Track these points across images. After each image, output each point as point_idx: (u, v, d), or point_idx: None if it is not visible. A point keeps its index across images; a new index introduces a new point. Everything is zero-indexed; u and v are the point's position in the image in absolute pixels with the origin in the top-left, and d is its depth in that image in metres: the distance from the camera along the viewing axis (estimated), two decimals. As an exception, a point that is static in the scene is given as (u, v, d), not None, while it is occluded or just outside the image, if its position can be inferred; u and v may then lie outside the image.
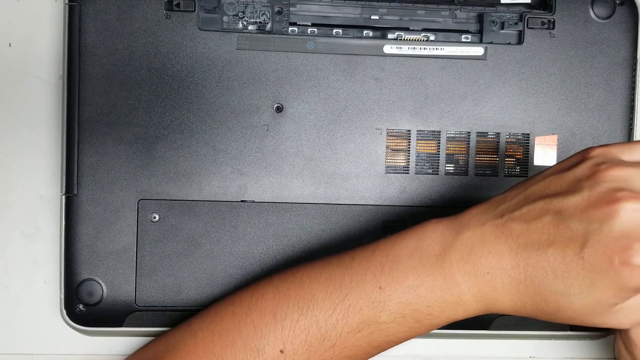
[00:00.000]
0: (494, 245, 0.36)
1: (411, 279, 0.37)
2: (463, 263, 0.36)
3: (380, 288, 0.37)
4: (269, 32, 0.47)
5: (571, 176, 0.35)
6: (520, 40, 0.48)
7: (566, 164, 0.36)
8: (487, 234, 0.36)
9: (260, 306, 0.39)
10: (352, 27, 0.47)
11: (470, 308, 0.37)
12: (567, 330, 0.49)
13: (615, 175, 0.33)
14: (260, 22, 0.47)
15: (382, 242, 0.39)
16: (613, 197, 0.32)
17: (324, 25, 0.47)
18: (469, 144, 0.48)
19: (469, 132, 0.48)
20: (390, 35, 0.48)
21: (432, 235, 0.37)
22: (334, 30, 0.47)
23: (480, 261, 0.36)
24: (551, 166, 0.37)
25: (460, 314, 0.37)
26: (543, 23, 0.48)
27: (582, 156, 0.35)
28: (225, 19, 0.47)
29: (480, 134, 0.48)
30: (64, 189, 0.45)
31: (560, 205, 0.34)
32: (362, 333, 0.38)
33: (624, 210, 0.32)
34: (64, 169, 0.45)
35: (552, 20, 0.47)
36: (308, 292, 0.38)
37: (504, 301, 0.36)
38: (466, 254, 0.36)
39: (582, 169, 0.34)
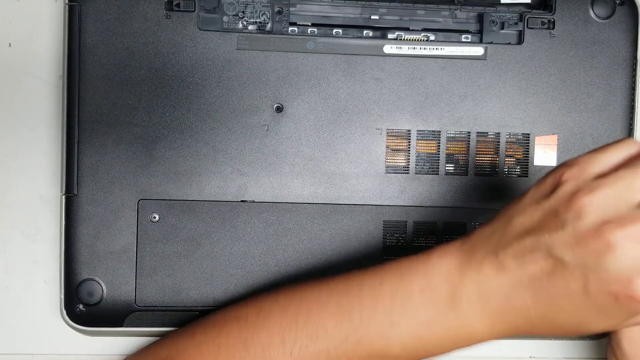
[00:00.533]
0: (498, 286, 0.36)
1: (423, 316, 0.37)
2: (474, 304, 0.36)
3: (391, 322, 0.37)
4: (269, 32, 0.47)
5: (548, 207, 0.34)
6: (520, 40, 0.48)
7: (542, 190, 0.35)
8: (489, 276, 0.36)
9: (268, 326, 0.39)
10: (352, 27, 0.47)
11: (483, 340, 0.37)
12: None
13: (594, 205, 0.33)
14: (260, 22, 0.47)
15: (388, 272, 0.39)
16: (600, 231, 0.32)
17: (324, 25, 0.47)
18: (469, 144, 0.48)
19: (469, 132, 0.48)
20: (390, 35, 0.48)
21: (439, 273, 0.37)
22: (334, 30, 0.47)
23: (490, 301, 0.36)
24: (527, 190, 0.36)
25: (472, 344, 0.38)
26: (543, 23, 0.48)
27: (555, 180, 0.35)
28: (225, 19, 0.47)
29: (480, 134, 0.48)
30: (64, 189, 0.45)
31: (549, 243, 0.34)
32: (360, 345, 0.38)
33: (615, 243, 0.32)
34: (64, 169, 0.45)
35: (552, 20, 0.47)
36: (317, 320, 0.38)
37: (520, 333, 0.36)
38: (475, 296, 0.36)
39: (559, 198, 0.34)
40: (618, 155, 0.34)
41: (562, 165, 0.35)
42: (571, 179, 0.34)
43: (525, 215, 0.35)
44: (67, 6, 0.45)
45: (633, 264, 0.32)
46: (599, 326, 0.34)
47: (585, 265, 0.33)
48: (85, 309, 0.46)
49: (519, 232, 0.35)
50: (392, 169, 0.47)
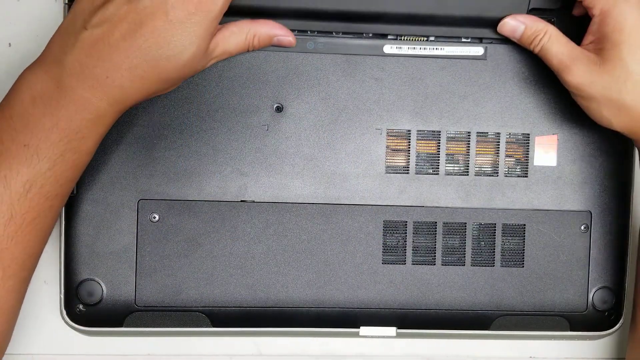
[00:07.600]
0: (97, 53, 0.38)
1: (47, 122, 0.38)
2: (82, 81, 0.38)
3: (25, 145, 0.38)
4: (269, 32, 0.46)
5: None
6: (520, 40, 0.48)
7: None
8: (85, 49, 0.38)
9: None
10: (352, 27, 0.47)
11: (111, 113, 0.39)
12: (567, 330, 0.49)
13: None
14: (260, 22, 0.47)
15: None
16: None
17: (324, 25, 0.47)
18: (469, 144, 0.48)
19: (469, 132, 0.48)
20: (390, 35, 0.47)
21: (41, 78, 0.38)
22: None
23: (95, 71, 0.38)
24: None
25: (108, 122, 0.40)
26: (543, 23, 0.48)
27: None
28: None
29: (480, 134, 0.48)
30: (64, 189, 0.45)
31: None
32: (32, 192, 0.38)
33: None
34: (64, 169, 0.45)
35: (552, 20, 0.47)
36: None
37: (134, 92, 0.39)
38: (79, 72, 0.38)
39: None
40: None
41: None
42: None
43: None
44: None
45: None
46: (187, 53, 0.39)
47: None
48: (85, 309, 0.46)
49: (98, 4, 0.38)
50: (392, 169, 0.47)
